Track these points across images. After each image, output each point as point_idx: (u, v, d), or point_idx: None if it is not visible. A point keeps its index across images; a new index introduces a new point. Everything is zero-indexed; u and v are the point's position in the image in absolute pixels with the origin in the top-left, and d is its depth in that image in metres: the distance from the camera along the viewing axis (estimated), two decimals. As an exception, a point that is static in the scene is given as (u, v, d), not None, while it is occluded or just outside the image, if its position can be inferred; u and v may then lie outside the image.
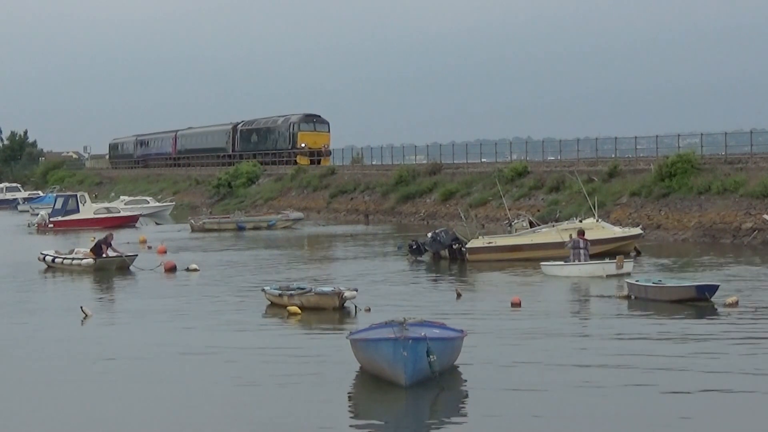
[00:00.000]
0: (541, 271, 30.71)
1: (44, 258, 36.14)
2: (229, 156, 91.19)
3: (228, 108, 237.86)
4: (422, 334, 15.61)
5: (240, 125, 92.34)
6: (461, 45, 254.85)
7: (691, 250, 37.70)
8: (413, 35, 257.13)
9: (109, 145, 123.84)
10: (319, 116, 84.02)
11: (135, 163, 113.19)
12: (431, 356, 15.33)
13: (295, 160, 79.92)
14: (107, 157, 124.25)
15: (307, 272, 32.66)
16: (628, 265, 30.05)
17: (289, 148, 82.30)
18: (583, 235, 31.25)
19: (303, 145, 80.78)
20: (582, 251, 30.49)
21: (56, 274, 34.40)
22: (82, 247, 38.52)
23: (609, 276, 29.17)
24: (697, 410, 14.12)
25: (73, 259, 35.12)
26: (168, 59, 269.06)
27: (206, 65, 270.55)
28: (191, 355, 18.89)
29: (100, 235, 36.89)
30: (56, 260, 35.49)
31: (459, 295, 26.08)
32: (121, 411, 14.86)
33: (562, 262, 30.72)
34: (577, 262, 30.37)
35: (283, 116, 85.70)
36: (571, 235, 31.91)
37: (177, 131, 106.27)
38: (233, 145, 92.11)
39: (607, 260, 30.45)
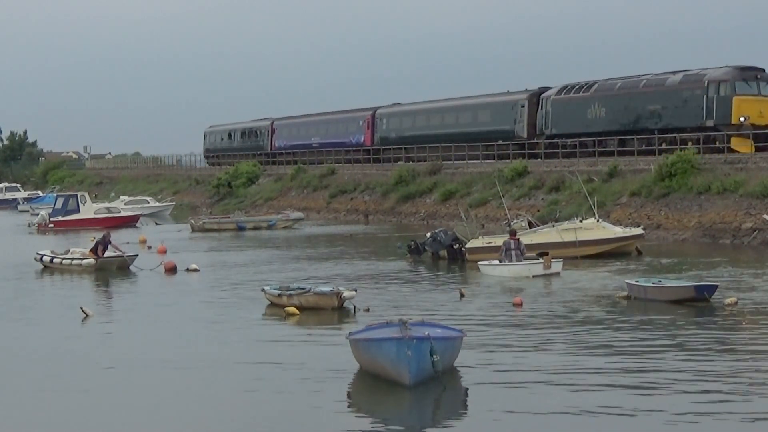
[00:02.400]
0: (480, 271, 31.26)
1: (41, 258, 36.14)
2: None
3: (229, 108, 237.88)
4: (425, 333, 15.66)
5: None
6: (461, 45, 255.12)
7: (691, 250, 37.71)
8: (413, 35, 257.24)
9: (204, 134, 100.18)
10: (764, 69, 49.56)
11: (268, 157, 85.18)
12: (434, 356, 15.36)
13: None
14: (203, 152, 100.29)
15: (307, 272, 32.68)
16: (557, 266, 30.43)
17: (707, 122, 48.29)
18: (515, 236, 31.60)
19: (743, 119, 47.20)
20: (513, 252, 30.80)
21: (57, 275, 34.40)
22: (78, 247, 38.56)
23: (535, 276, 29.59)
24: (697, 410, 14.12)
25: (73, 259, 35.13)
26: (168, 59, 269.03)
27: (206, 65, 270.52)
28: (190, 355, 18.91)
29: (100, 236, 36.88)
30: (54, 260, 35.47)
31: (462, 295, 26.09)
32: (121, 411, 14.88)
33: (497, 262, 31.16)
34: (507, 262, 30.63)
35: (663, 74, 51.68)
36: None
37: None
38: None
39: (533, 261, 30.69)
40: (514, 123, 60.17)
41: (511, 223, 37.95)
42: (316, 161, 76.63)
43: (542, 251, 31.93)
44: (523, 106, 59.76)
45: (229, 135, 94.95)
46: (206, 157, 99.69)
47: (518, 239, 31.41)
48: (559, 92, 56.64)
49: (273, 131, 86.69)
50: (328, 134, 78.78)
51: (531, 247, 34.67)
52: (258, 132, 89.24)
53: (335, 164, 73.12)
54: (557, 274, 30.09)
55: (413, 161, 65.83)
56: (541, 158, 56.14)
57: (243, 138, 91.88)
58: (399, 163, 66.87)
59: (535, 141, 58.13)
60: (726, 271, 30.06)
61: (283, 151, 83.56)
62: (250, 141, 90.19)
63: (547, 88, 58.62)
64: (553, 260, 30.63)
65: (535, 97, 58.98)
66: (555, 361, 17.36)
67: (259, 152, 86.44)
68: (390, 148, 71.12)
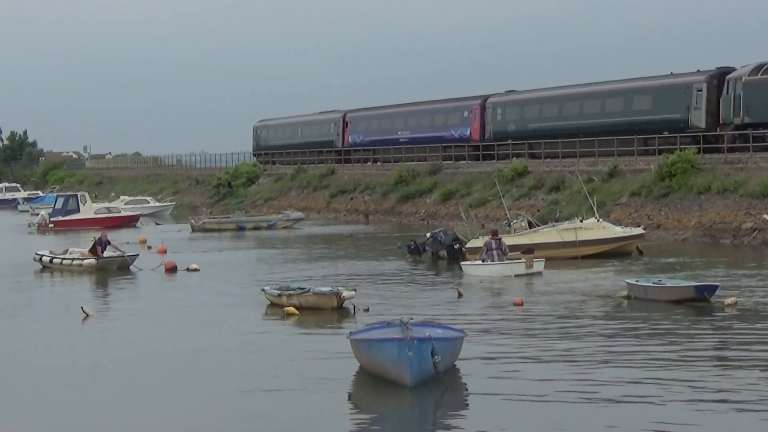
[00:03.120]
0: (463, 271, 31.39)
1: (40, 258, 36.14)
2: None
3: (232, 108, 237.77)
4: (426, 334, 15.67)
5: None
6: (460, 44, 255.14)
7: (691, 250, 37.71)
8: (413, 34, 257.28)
9: (254, 130, 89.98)
10: None
11: (339, 154, 75.90)
12: (435, 356, 15.37)
13: None
14: (252, 149, 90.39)
15: (307, 272, 32.68)
16: (539, 265, 30.54)
17: None
18: (497, 236, 31.70)
19: None
20: (495, 252, 30.93)
21: (57, 275, 34.40)
22: (78, 247, 38.57)
23: (518, 276, 29.72)
24: (697, 410, 14.13)
25: (73, 259, 35.14)
26: (169, 59, 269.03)
27: (207, 65, 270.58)
28: (191, 355, 18.93)
29: (99, 236, 36.91)
30: (54, 260, 35.47)
31: (460, 295, 26.12)
32: (120, 412, 14.88)
33: (479, 262, 31.27)
34: (489, 262, 30.73)
35: None
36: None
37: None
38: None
39: (515, 260, 30.78)
40: (687, 111, 49.56)
41: (511, 223, 38.01)
42: (405, 158, 66.62)
43: (527, 249, 32.07)
44: (700, 91, 49.02)
45: (288, 130, 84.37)
46: (256, 155, 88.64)
47: (500, 239, 31.56)
48: (755, 72, 45.90)
49: (346, 125, 75.67)
50: (421, 127, 67.79)
51: (531, 247, 34.74)
52: (326, 126, 78.49)
53: (434, 162, 62.98)
54: (539, 273, 30.27)
55: (540, 158, 56.41)
56: (723, 153, 46.41)
57: (305, 133, 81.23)
58: (520, 159, 56.49)
59: (718, 133, 47.79)
60: (726, 271, 30.07)
61: (360, 148, 73.67)
62: (315, 137, 79.46)
63: (730, 69, 48.86)
64: (535, 260, 30.76)
65: (716, 79, 48.59)
66: (556, 360, 17.37)
67: (327, 149, 76.64)
68: (508, 143, 59.14)
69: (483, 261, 31.11)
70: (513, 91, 63.12)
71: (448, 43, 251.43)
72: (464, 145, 62.96)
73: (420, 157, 64.71)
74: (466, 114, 63.85)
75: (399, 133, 69.75)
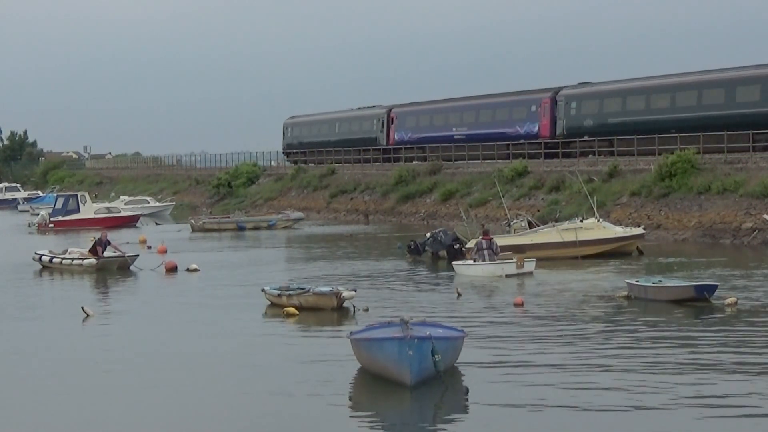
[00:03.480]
0: (455, 271, 31.48)
1: (40, 258, 36.13)
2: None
3: (232, 108, 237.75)
4: (427, 333, 15.67)
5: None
6: (460, 44, 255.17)
7: (691, 250, 37.71)
8: (412, 34, 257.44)
9: (285, 127, 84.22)
10: None
11: (382, 152, 70.37)
12: (436, 356, 15.37)
13: None
14: (282, 148, 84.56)
15: (307, 272, 32.68)
16: (530, 265, 30.66)
17: None
18: (488, 236, 31.74)
19: None
20: (486, 252, 31.02)
21: (57, 275, 34.39)
22: (78, 247, 38.56)
23: (509, 276, 29.79)
24: (697, 410, 14.12)
25: (73, 259, 35.13)
26: (169, 59, 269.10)
27: (207, 65, 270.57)
28: (191, 356, 18.92)
29: (99, 236, 36.91)
30: (54, 260, 35.45)
31: (459, 295, 26.12)
32: (120, 412, 14.88)
33: (470, 262, 31.39)
34: (480, 262, 30.81)
35: None
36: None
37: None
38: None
39: (506, 260, 30.87)
40: None
41: (511, 223, 38.03)
42: (458, 156, 61.68)
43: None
44: None
45: (324, 127, 78.68)
46: (286, 154, 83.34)
47: (491, 239, 31.64)
48: None
49: (391, 121, 70.14)
50: (480, 123, 62.23)
51: (532, 247, 34.80)
52: (367, 122, 72.77)
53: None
54: (530, 273, 30.33)
55: (633, 155, 50.48)
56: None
57: (343, 130, 75.55)
58: (609, 159, 51.05)
59: None
60: (726, 271, 30.06)
61: (408, 146, 68.46)
62: (354, 134, 73.86)
63: None
64: (526, 260, 30.82)
65: None
66: (556, 360, 17.36)
67: (369, 147, 71.12)
68: (584, 140, 54.17)
69: (474, 261, 31.18)
70: (587, 83, 57.69)
71: (448, 43, 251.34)
72: (539, 143, 57.08)
73: (485, 155, 59.53)
74: (533, 108, 58.38)
75: (454, 129, 64.37)
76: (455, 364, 16.63)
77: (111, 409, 15.01)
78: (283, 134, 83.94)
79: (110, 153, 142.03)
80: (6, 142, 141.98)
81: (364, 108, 75.63)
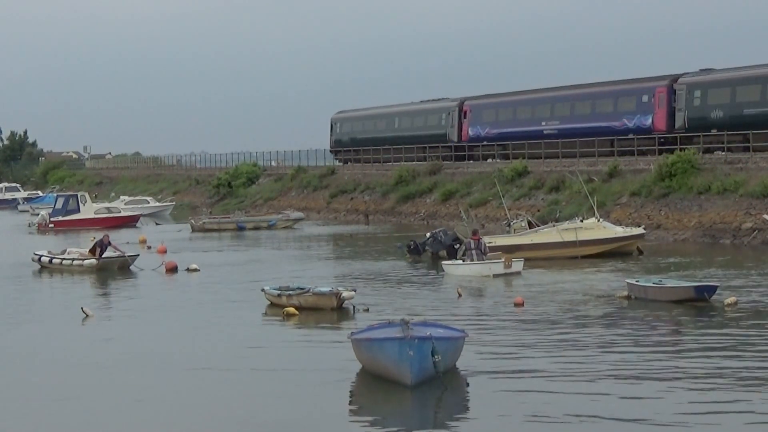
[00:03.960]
0: (444, 271, 31.63)
1: (39, 259, 36.11)
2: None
3: (232, 109, 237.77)
4: (427, 333, 15.68)
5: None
6: (459, 44, 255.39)
7: (691, 250, 37.72)
8: (413, 34, 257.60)
9: (333, 123, 76.48)
10: None
11: (453, 150, 63.33)
12: (436, 356, 15.37)
13: None
14: (330, 145, 76.79)
15: (307, 272, 32.67)
16: (518, 265, 30.74)
17: None
18: (476, 236, 31.87)
19: None
20: (474, 252, 31.13)
21: (57, 275, 34.38)
22: (77, 247, 38.54)
23: (496, 276, 29.87)
24: (697, 410, 14.12)
25: (73, 259, 35.11)
26: (169, 59, 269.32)
27: (207, 65, 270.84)
28: (191, 356, 18.91)
29: (100, 236, 36.91)
30: (53, 261, 35.43)
31: (459, 295, 26.12)
32: (120, 413, 14.88)
33: (459, 262, 31.52)
34: (469, 261, 30.94)
35: None
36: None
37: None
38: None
39: (494, 260, 30.98)
40: None
41: (511, 223, 38.05)
42: (549, 154, 54.74)
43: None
44: None
45: (381, 122, 71.36)
46: (334, 152, 76.03)
47: (479, 239, 31.76)
48: None
49: (464, 115, 63.31)
50: (576, 116, 55.57)
51: (532, 247, 34.84)
52: (434, 117, 65.87)
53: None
54: (518, 273, 30.41)
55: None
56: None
57: (405, 125, 68.62)
58: (751, 159, 44.69)
59: None
60: (726, 271, 30.07)
61: (484, 143, 61.52)
62: (418, 129, 66.79)
63: None
64: (513, 259, 30.89)
65: None
66: (557, 361, 17.36)
67: (437, 144, 64.57)
68: (710, 134, 47.66)
69: (463, 261, 31.26)
70: (710, 69, 50.34)
71: (447, 42, 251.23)
72: (653, 137, 50.65)
73: (583, 152, 52.79)
74: (645, 98, 51.53)
75: (543, 123, 57.46)
76: (456, 365, 16.63)
77: (111, 410, 15.00)
78: (331, 130, 76.38)
79: (110, 153, 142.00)
80: (6, 142, 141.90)
81: (432, 100, 68.48)
